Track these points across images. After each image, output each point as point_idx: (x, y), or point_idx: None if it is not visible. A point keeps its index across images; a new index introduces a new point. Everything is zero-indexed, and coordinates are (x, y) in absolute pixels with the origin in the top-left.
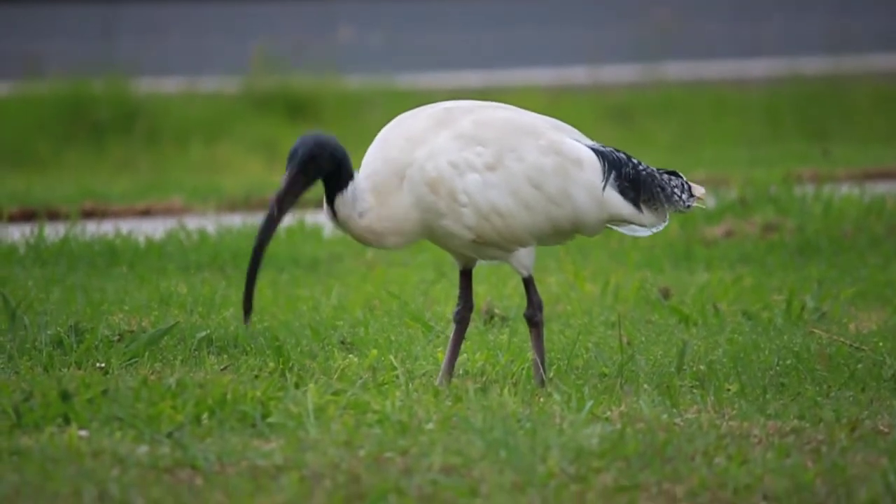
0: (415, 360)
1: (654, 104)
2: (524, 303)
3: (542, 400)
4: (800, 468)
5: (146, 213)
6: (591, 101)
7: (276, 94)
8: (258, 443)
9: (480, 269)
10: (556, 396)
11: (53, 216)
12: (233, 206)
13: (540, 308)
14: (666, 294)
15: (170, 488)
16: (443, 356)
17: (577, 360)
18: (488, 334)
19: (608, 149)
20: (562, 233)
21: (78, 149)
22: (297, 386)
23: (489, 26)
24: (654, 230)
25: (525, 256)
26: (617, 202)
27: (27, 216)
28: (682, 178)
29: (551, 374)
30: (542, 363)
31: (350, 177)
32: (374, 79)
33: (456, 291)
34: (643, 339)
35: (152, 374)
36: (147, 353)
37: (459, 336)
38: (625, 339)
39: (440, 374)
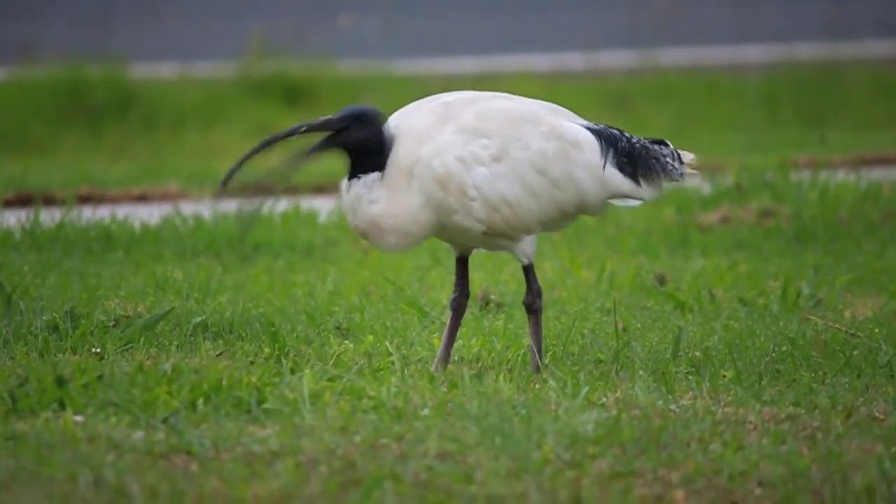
0: (410, 346)
1: (650, 90)
2: (520, 289)
3: (537, 386)
4: (795, 455)
5: (142, 198)
6: (587, 87)
7: (272, 79)
8: (254, 429)
9: (477, 255)
10: (552, 383)
11: (49, 201)
12: (229, 192)
13: (539, 295)
14: (661, 280)
15: (165, 474)
16: (438, 342)
17: (572, 347)
18: (484, 320)
19: (601, 126)
20: (567, 216)
21: (74, 134)
22: (292, 372)
23: (486, 12)
24: (649, 200)
25: (528, 244)
26: (617, 179)
27: (23, 201)
28: (670, 146)
29: (547, 361)
30: (539, 350)
31: (379, 166)
32: (371, 65)
33: (452, 278)
34: (639, 325)
35: (148, 359)
36: (142, 339)
37: (456, 323)
38: (620, 326)
39: (436, 360)
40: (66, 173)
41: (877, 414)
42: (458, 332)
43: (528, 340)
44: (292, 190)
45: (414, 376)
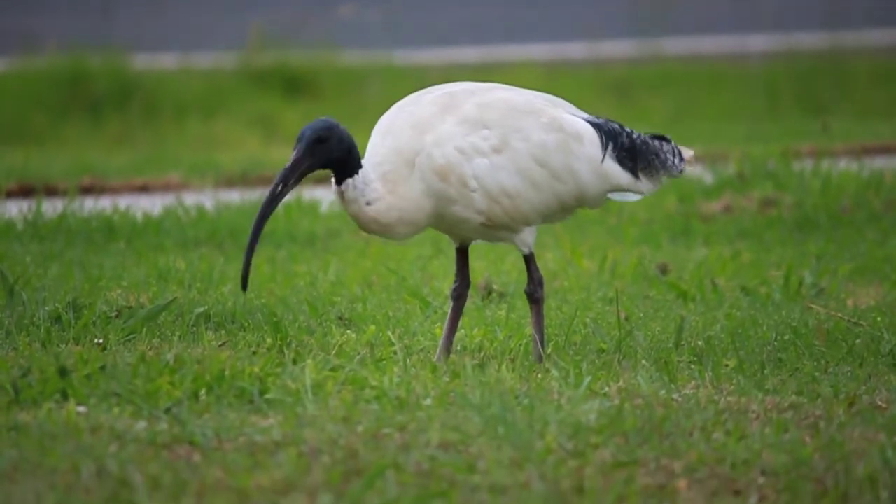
0: (413, 336)
1: (652, 79)
2: (522, 278)
3: (540, 376)
4: (798, 443)
5: (144, 188)
6: (588, 77)
7: (273, 70)
8: (256, 419)
9: (479, 245)
10: (555, 372)
11: (51, 192)
12: (230, 182)
13: (541, 285)
14: (664, 270)
15: (168, 464)
16: (441, 332)
17: (575, 336)
18: (486, 310)
19: (601, 119)
20: (567, 208)
21: (75, 124)
22: (294, 362)
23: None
24: (647, 195)
25: (528, 235)
26: (616, 173)
27: (25, 192)
28: (671, 142)
29: (549, 350)
30: (541, 339)
31: (358, 164)
32: (371, 55)
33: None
34: (641, 314)
35: (150, 350)
36: (145, 329)
37: (457, 313)
38: (623, 315)
39: (438, 350)
40: (68, 164)
41: (879, 403)
42: (461, 322)
43: (530, 330)
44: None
45: (416, 366)
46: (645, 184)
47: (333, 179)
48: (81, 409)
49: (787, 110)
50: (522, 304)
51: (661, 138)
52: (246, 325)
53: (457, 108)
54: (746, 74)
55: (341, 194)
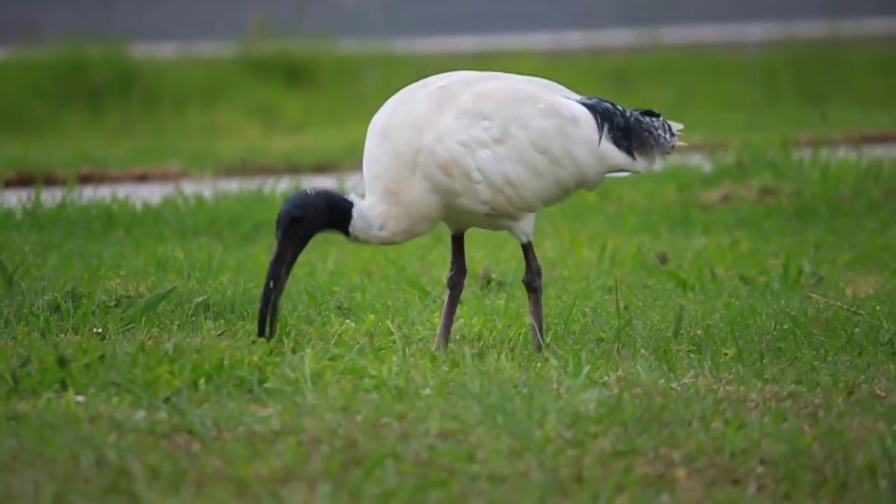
0: (412, 325)
1: (650, 68)
2: (521, 268)
3: (539, 365)
4: (797, 433)
5: (143, 178)
6: (587, 66)
7: (273, 59)
8: (255, 408)
9: (478, 234)
10: (554, 361)
11: (50, 181)
12: (230, 172)
13: (539, 274)
14: (663, 259)
15: (167, 453)
16: (440, 321)
17: (574, 325)
18: (485, 299)
19: (594, 100)
20: (567, 192)
21: (75, 114)
22: (294, 351)
23: None
24: (643, 172)
25: (527, 223)
26: (613, 153)
27: (24, 181)
28: (660, 117)
29: (548, 339)
30: (540, 329)
31: (349, 207)
32: (371, 44)
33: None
34: (640, 303)
35: (149, 339)
36: (144, 319)
37: (454, 301)
38: (622, 304)
39: (436, 339)
40: (68, 153)
41: (878, 391)
42: (459, 311)
43: (529, 319)
44: (294, 169)
45: (415, 355)
46: (640, 162)
47: (339, 231)
48: (80, 398)
49: (786, 99)
50: (521, 294)
51: (651, 114)
52: (245, 314)
53: (454, 102)
54: (745, 63)
55: (355, 239)
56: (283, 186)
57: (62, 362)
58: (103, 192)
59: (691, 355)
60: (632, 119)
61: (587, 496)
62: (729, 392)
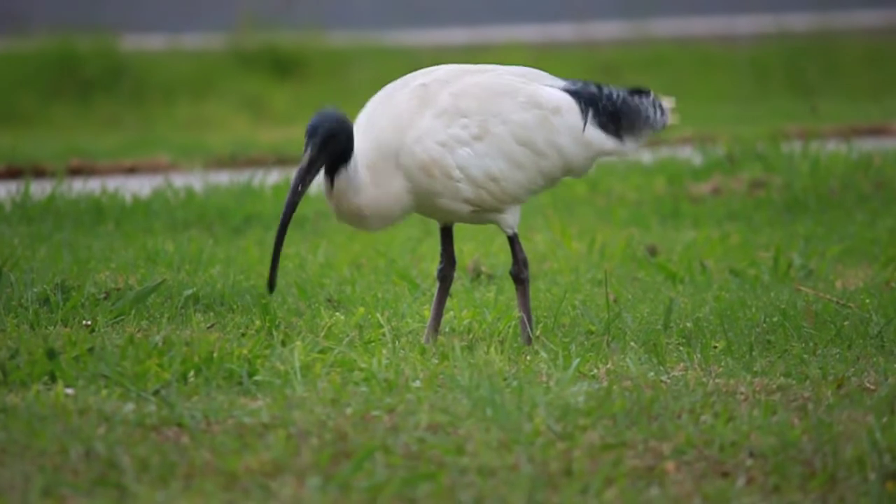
0: (401, 318)
1: (640, 61)
2: (510, 260)
3: (528, 358)
4: (786, 425)
5: (132, 170)
6: (577, 58)
7: (262, 51)
8: (245, 401)
9: (468, 228)
10: (543, 354)
11: (40, 173)
12: (219, 164)
13: (525, 265)
14: (653, 251)
15: (156, 446)
16: (429, 314)
17: (563, 318)
18: (475, 292)
19: (579, 84)
20: (554, 181)
21: (64, 106)
22: (283, 344)
23: None
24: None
25: (512, 215)
26: (600, 139)
27: (13, 173)
28: (650, 94)
29: (538, 332)
30: (529, 321)
31: (351, 154)
32: (360, 36)
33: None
34: (630, 296)
35: (139, 331)
36: (133, 311)
37: (444, 294)
38: (612, 297)
39: (426, 332)
40: (57, 145)
41: (868, 384)
42: (449, 304)
43: (518, 312)
44: (283, 161)
45: (405, 348)
46: (629, 144)
47: (324, 171)
48: (69, 390)
49: (777, 92)
50: (511, 287)
51: (640, 92)
52: (235, 306)
53: (433, 101)
54: (736, 56)
55: (331, 184)
56: (272, 179)
57: (51, 355)
58: (93, 185)
59: (681, 348)
60: (619, 101)
61: (576, 489)
62: (718, 385)
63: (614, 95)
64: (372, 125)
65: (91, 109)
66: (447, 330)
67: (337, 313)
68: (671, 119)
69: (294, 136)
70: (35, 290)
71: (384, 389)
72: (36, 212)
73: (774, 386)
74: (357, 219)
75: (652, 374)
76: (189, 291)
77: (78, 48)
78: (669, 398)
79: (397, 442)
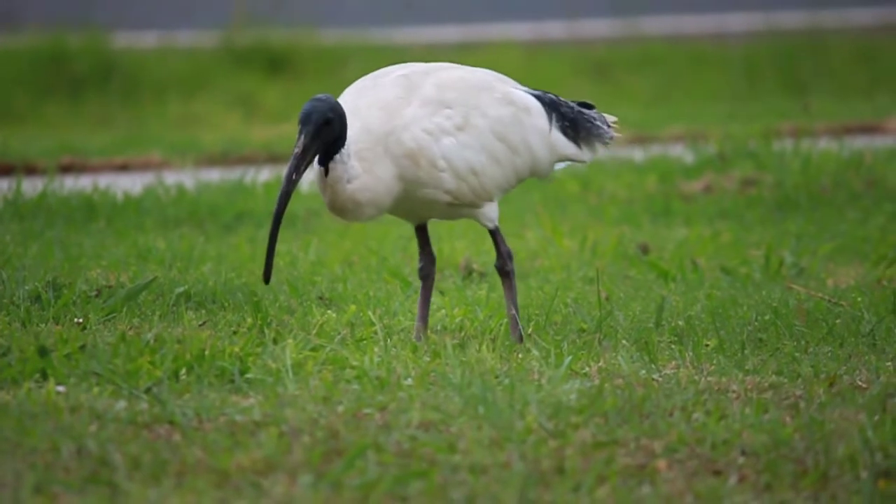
0: (393, 316)
1: (632, 59)
2: None
3: (520, 356)
4: (778, 423)
5: (124, 167)
6: (569, 56)
7: (254, 49)
8: (236, 398)
9: (458, 225)
10: (535, 352)
11: (31, 171)
12: (211, 161)
13: (510, 257)
14: (644, 249)
15: (148, 444)
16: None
17: (555, 316)
18: (466, 290)
19: (539, 92)
20: (521, 181)
21: (56, 103)
22: (275, 342)
23: None
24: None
25: (492, 210)
26: (563, 143)
27: (4, 171)
28: (595, 108)
29: (530, 330)
30: (517, 312)
31: (342, 144)
32: (352, 33)
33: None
34: (622, 294)
35: (130, 329)
36: (125, 309)
37: (428, 291)
38: (603, 295)
39: (415, 331)
40: (48, 143)
41: (859, 382)
42: (441, 302)
43: (509, 310)
44: (274, 159)
45: (397, 346)
46: (585, 153)
47: (317, 161)
48: (61, 388)
49: (768, 90)
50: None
51: (588, 106)
52: (226, 304)
53: (417, 90)
54: (727, 54)
55: (324, 173)
56: (263, 176)
57: (43, 352)
58: (84, 182)
59: (672, 346)
60: (574, 110)
61: (568, 487)
62: (710, 383)
63: (570, 105)
64: (357, 112)
65: (83, 107)
66: (439, 328)
67: (328, 311)
68: (617, 134)
69: (286, 134)
70: (26, 287)
71: (376, 387)
72: (27, 209)
73: (766, 384)
74: (352, 205)
75: (644, 372)
76: (181, 289)
77: (70, 46)
78: (661, 396)
79: (389, 440)
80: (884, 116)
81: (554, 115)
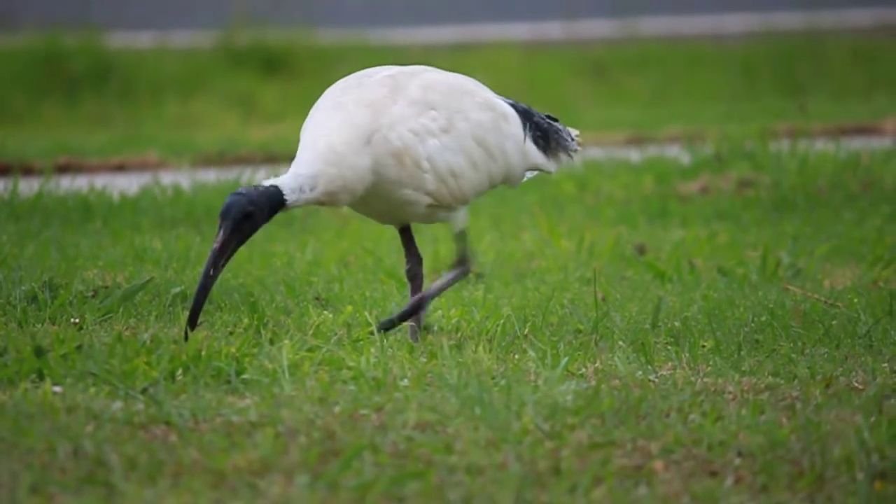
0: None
1: (630, 59)
2: (500, 259)
3: (516, 357)
4: (774, 425)
5: (121, 168)
6: (567, 57)
7: (251, 49)
8: (233, 399)
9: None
10: (531, 353)
11: (28, 171)
12: (208, 162)
13: (469, 261)
14: (641, 250)
15: (144, 444)
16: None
17: (552, 317)
18: (463, 291)
19: (511, 101)
20: (493, 187)
21: (52, 103)
22: (271, 342)
23: None
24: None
25: (464, 213)
26: (534, 152)
27: (1, 171)
28: (558, 121)
29: (526, 331)
30: (428, 302)
31: (280, 192)
32: (349, 34)
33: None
34: (618, 295)
35: (127, 329)
36: (121, 309)
37: (418, 291)
38: (600, 296)
39: (409, 331)
40: (45, 143)
41: (856, 384)
42: (437, 303)
43: (507, 310)
44: (271, 159)
45: (393, 347)
46: (552, 163)
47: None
48: (57, 388)
49: (765, 90)
50: (499, 285)
51: (553, 119)
52: (223, 305)
53: (403, 91)
54: (724, 55)
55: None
56: (260, 176)
57: (39, 352)
58: (80, 182)
59: (669, 347)
60: (545, 122)
61: (565, 488)
62: (706, 384)
63: (541, 116)
64: (341, 107)
65: (79, 107)
66: (435, 328)
67: (325, 311)
68: (578, 147)
69: (283, 134)
70: (23, 287)
71: (372, 388)
72: (24, 209)
73: (763, 385)
74: (326, 199)
75: (640, 373)
76: (177, 289)
77: (66, 46)
78: (658, 397)
79: (385, 440)
80: (880, 117)
81: (528, 125)
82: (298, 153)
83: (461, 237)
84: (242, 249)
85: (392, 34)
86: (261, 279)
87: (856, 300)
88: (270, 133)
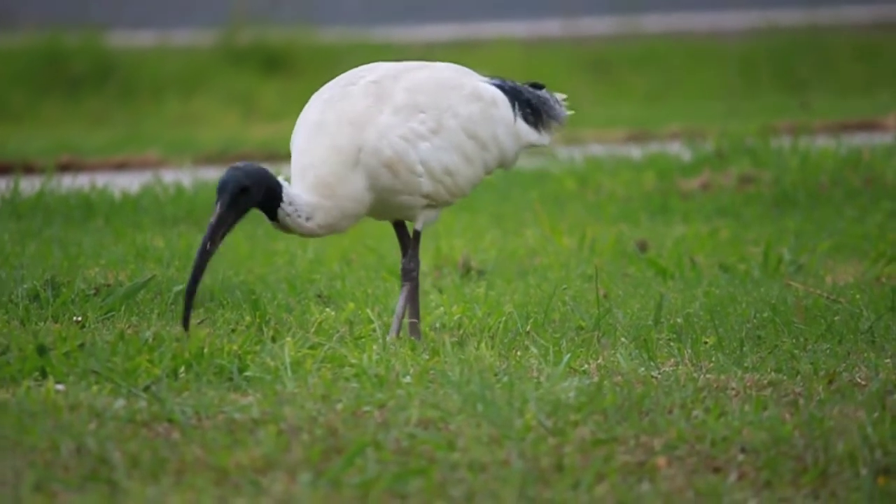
0: (392, 314)
1: (630, 56)
2: (502, 256)
3: (519, 353)
4: (777, 421)
5: (122, 166)
6: (567, 54)
7: (251, 47)
8: (235, 396)
9: (457, 223)
10: (534, 350)
11: (29, 170)
12: (209, 160)
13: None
14: (643, 247)
15: (147, 442)
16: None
17: (554, 314)
18: (465, 288)
19: (498, 80)
20: (489, 174)
21: (53, 102)
22: (273, 340)
23: None
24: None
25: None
26: (526, 130)
27: (2, 170)
28: (544, 88)
29: (528, 328)
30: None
31: (281, 189)
32: (349, 32)
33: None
34: (620, 292)
35: (129, 327)
36: (124, 307)
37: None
38: (602, 293)
39: (408, 328)
40: (46, 142)
41: (858, 380)
42: (440, 300)
43: (509, 307)
44: (272, 157)
45: (395, 344)
46: (545, 136)
47: (266, 217)
48: (60, 386)
49: (766, 87)
50: (502, 282)
51: (538, 86)
52: (225, 302)
53: (388, 97)
54: (725, 51)
55: (278, 226)
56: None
57: (42, 351)
58: (82, 181)
59: (671, 343)
60: (533, 95)
61: (567, 484)
62: (709, 380)
63: (529, 90)
64: (324, 127)
65: (80, 106)
66: (437, 326)
67: (327, 309)
68: (568, 112)
69: (284, 133)
70: (25, 286)
71: (375, 385)
72: (25, 208)
73: (765, 381)
74: (325, 232)
75: (643, 369)
76: (179, 287)
77: (67, 44)
78: (660, 394)
79: (388, 437)
80: (882, 113)
81: (517, 104)
82: (292, 175)
83: (418, 237)
84: (244, 246)
85: (392, 32)
86: (263, 277)
87: (858, 296)
88: (271, 131)
